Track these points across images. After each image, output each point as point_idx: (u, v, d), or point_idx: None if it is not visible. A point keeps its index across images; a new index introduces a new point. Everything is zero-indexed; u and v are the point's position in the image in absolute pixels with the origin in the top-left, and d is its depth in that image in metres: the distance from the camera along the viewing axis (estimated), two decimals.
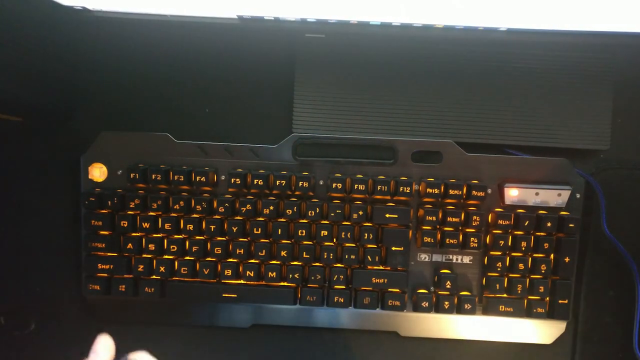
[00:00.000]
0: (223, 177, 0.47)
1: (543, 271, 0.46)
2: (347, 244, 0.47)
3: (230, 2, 0.43)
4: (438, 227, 0.47)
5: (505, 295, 0.47)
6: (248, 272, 0.47)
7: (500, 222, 0.46)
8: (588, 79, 0.48)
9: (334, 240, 0.47)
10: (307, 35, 0.48)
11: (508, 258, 0.47)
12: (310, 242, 0.47)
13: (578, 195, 0.47)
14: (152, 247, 0.47)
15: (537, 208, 0.46)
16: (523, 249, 0.46)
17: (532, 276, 0.47)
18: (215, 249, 0.47)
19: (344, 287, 0.47)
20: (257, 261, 0.47)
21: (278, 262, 0.47)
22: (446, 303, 0.47)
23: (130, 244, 0.47)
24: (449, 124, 0.48)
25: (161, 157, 0.47)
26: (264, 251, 0.46)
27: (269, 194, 0.47)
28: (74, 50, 0.49)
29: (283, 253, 0.46)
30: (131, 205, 0.46)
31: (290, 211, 0.46)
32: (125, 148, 0.47)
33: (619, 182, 0.49)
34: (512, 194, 0.46)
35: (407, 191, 0.46)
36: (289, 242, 0.47)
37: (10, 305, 0.50)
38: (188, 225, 0.46)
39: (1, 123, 0.48)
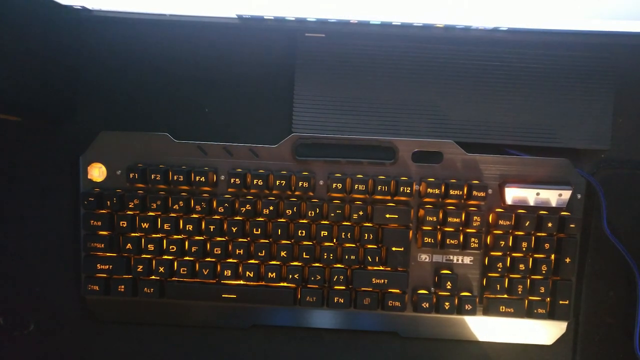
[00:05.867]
0: (222, 177, 0.47)
1: (544, 271, 0.46)
2: (347, 244, 0.46)
3: (230, 2, 0.43)
4: (438, 227, 0.46)
5: (505, 295, 0.47)
6: (248, 272, 0.47)
7: (500, 222, 0.46)
8: (589, 79, 0.48)
9: (334, 241, 0.47)
10: (307, 35, 0.48)
11: (509, 258, 0.46)
12: (310, 243, 0.47)
13: (579, 196, 0.47)
14: (151, 247, 0.46)
15: (538, 208, 0.46)
16: (524, 249, 0.46)
17: (532, 276, 0.47)
18: (215, 249, 0.47)
19: (344, 287, 0.47)
20: (256, 261, 0.47)
21: (278, 263, 0.47)
22: (447, 304, 0.47)
23: (129, 244, 0.47)
24: (449, 124, 0.48)
25: (161, 157, 0.47)
26: (263, 251, 0.46)
27: (268, 194, 0.47)
28: (73, 49, 0.49)
29: (283, 253, 0.46)
30: (130, 206, 0.46)
31: (290, 211, 0.46)
32: (124, 148, 0.47)
33: (620, 182, 0.49)
34: (513, 194, 0.46)
35: (408, 191, 0.46)
36: (288, 242, 0.47)
37: (9, 305, 0.50)
38: (187, 226, 0.46)
39: (0, 123, 0.48)
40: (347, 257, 0.46)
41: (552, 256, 0.47)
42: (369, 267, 0.47)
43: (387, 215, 0.46)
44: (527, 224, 0.46)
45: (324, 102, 0.48)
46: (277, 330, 0.50)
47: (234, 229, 0.46)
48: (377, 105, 0.48)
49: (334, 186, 0.46)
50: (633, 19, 0.41)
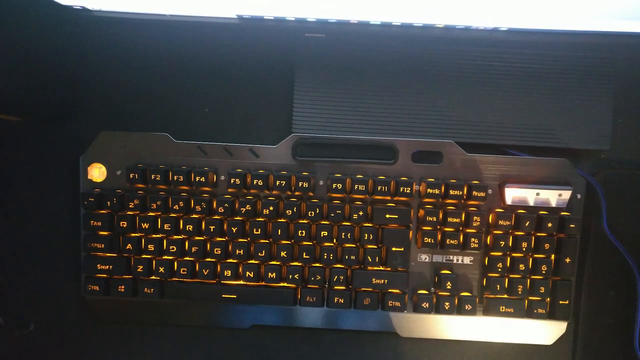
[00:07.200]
0: (222, 177, 0.47)
1: (544, 272, 0.46)
2: (347, 245, 0.46)
3: (230, 2, 0.43)
4: (438, 227, 0.46)
5: (505, 295, 0.47)
6: (248, 272, 0.47)
7: (500, 222, 0.46)
8: (589, 79, 0.48)
9: (334, 241, 0.47)
10: (307, 35, 0.48)
11: (509, 258, 0.46)
12: (310, 243, 0.47)
13: (579, 196, 0.47)
14: (151, 247, 0.46)
15: (538, 208, 0.46)
16: (524, 249, 0.46)
17: (532, 277, 0.47)
18: (215, 249, 0.47)
19: (344, 287, 0.47)
20: (256, 262, 0.47)
21: (278, 263, 0.47)
22: (446, 304, 0.47)
23: (129, 245, 0.47)
24: (449, 124, 0.48)
25: (160, 157, 0.47)
26: (263, 252, 0.46)
27: (268, 194, 0.47)
28: (73, 50, 0.49)
29: (283, 253, 0.46)
30: (130, 206, 0.46)
31: (290, 211, 0.46)
32: (124, 148, 0.47)
33: (620, 182, 0.49)
34: (513, 194, 0.46)
35: (408, 191, 0.46)
36: (288, 242, 0.47)
37: (9, 305, 0.50)
38: (187, 226, 0.46)
39: (0, 123, 0.48)
40: (347, 257, 0.46)
41: (552, 256, 0.47)
42: (369, 268, 0.47)
43: (387, 216, 0.46)
44: (527, 224, 0.46)
45: (324, 102, 0.48)
46: (277, 330, 0.50)
47: (234, 229, 0.46)
48: (377, 105, 0.48)
49: (334, 186, 0.46)
50: (633, 19, 0.41)
